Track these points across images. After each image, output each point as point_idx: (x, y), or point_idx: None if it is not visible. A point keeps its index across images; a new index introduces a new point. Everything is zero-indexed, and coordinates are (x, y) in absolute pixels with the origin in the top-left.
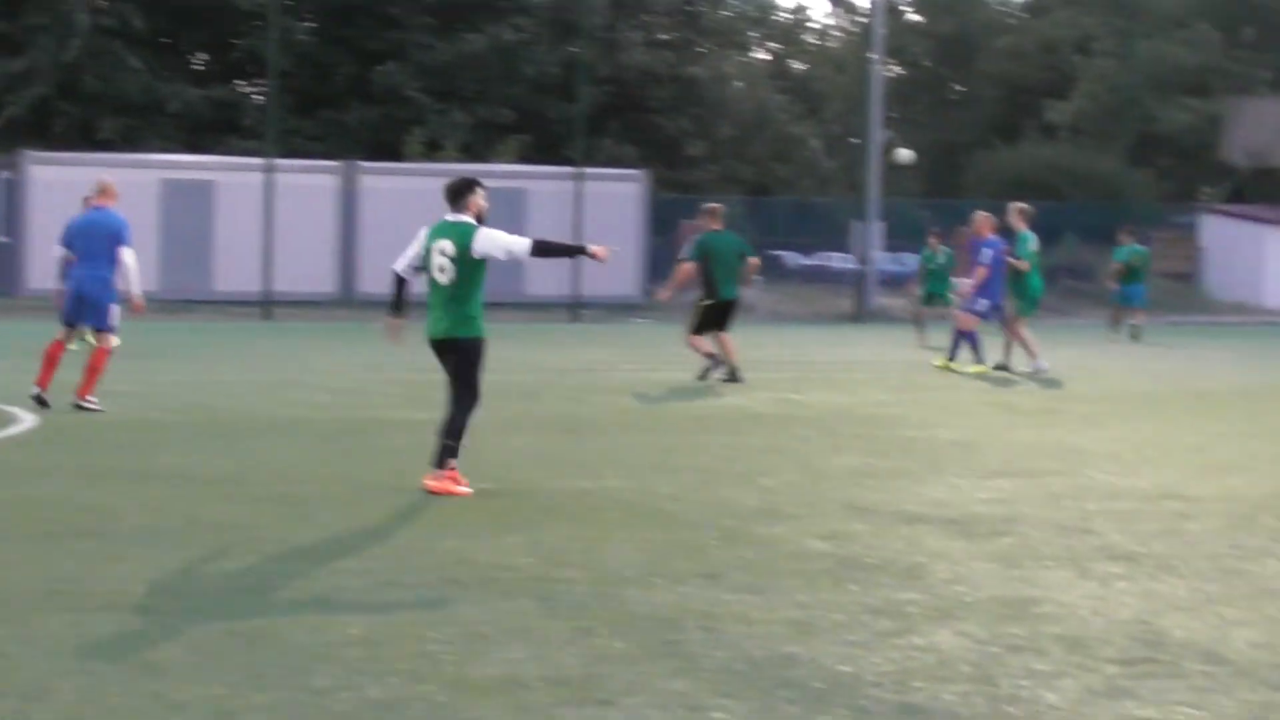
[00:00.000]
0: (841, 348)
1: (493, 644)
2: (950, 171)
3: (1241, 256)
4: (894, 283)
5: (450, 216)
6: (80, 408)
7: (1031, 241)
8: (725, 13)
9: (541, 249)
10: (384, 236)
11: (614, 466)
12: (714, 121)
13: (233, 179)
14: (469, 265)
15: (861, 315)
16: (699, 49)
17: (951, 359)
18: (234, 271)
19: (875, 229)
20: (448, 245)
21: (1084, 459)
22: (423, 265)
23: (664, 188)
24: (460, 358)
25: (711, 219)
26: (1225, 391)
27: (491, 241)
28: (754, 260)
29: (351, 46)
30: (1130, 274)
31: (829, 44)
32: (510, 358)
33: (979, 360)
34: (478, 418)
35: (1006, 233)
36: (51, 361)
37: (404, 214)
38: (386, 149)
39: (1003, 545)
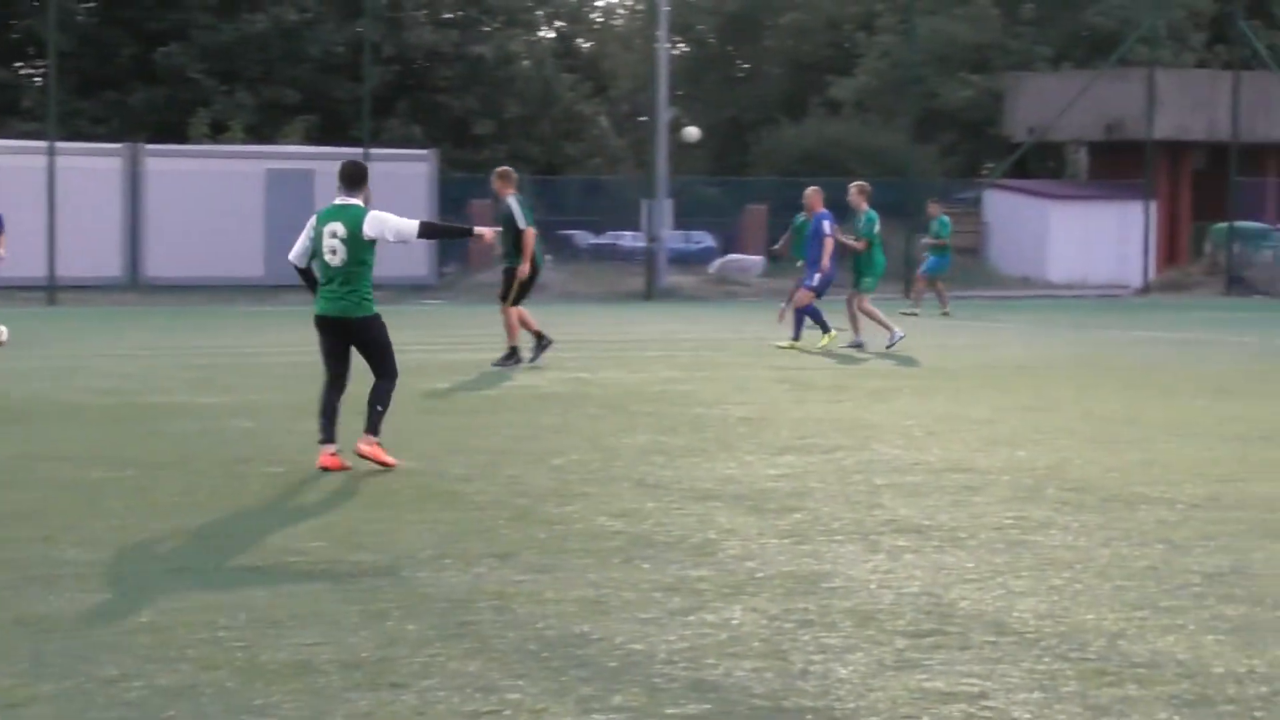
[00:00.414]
0: (633, 326)
1: (284, 629)
2: (738, 149)
3: (1025, 231)
4: (683, 261)
5: (340, 199)
6: None
7: (875, 220)
8: None
9: (429, 230)
10: (170, 219)
11: (406, 448)
12: (501, 100)
13: (13, 162)
14: (360, 246)
15: (652, 293)
16: (485, 28)
17: (796, 339)
18: (16, 256)
19: (665, 207)
20: (339, 228)
21: (873, 434)
22: (313, 249)
23: (453, 167)
24: (364, 336)
25: (507, 183)
26: (1011, 365)
27: (382, 223)
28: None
29: (133, 27)
30: (940, 245)
31: (615, 22)
32: (302, 340)
33: (825, 330)
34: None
35: (845, 210)
36: None
37: (190, 196)
38: (171, 131)
39: (793, 521)
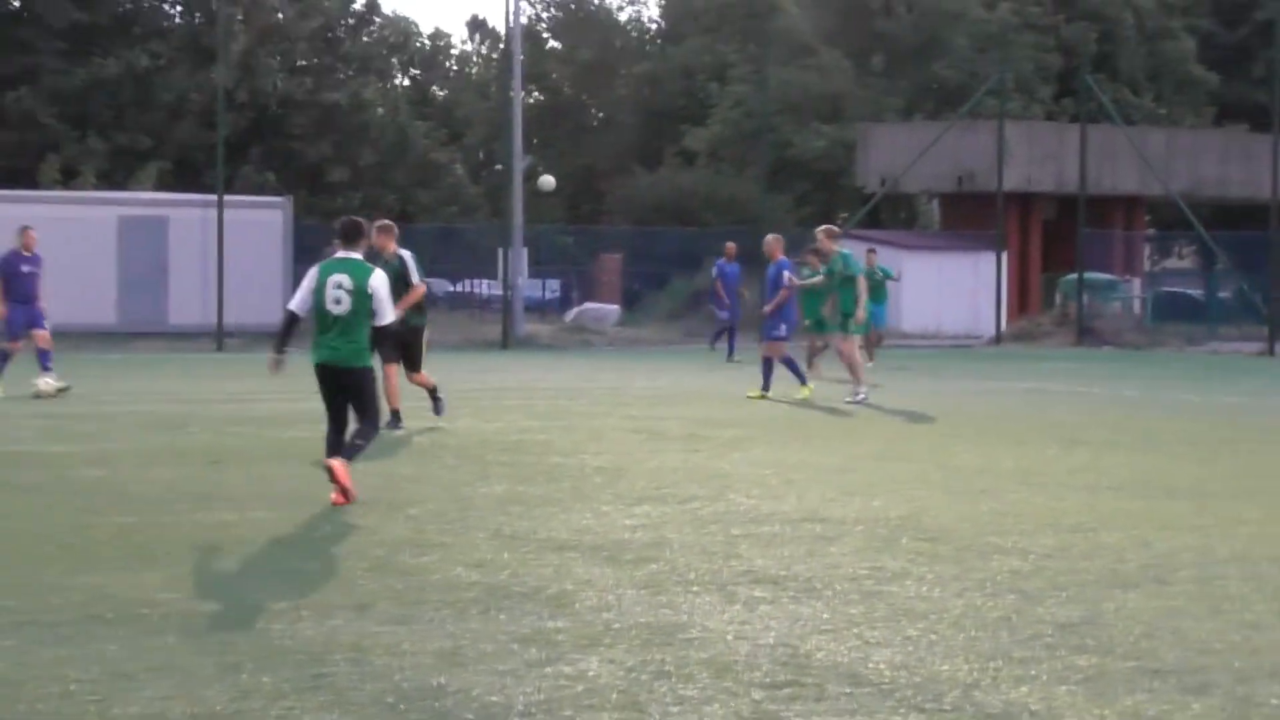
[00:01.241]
0: (490, 374)
1: (137, 682)
2: (592, 197)
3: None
4: (538, 309)
5: (342, 253)
6: None
7: (850, 257)
8: (365, 39)
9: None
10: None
11: (259, 498)
12: (355, 148)
13: None
14: (363, 299)
15: (509, 342)
16: (339, 75)
17: (766, 390)
18: None
19: (521, 254)
20: (345, 279)
21: (729, 483)
22: (315, 299)
23: (307, 214)
24: (359, 385)
25: (389, 237)
26: (865, 414)
27: (381, 284)
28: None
29: None
30: (875, 294)
31: (470, 70)
32: (153, 388)
33: (802, 382)
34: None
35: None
36: None
37: (41, 242)
38: (21, 176)
39: (650, 571)
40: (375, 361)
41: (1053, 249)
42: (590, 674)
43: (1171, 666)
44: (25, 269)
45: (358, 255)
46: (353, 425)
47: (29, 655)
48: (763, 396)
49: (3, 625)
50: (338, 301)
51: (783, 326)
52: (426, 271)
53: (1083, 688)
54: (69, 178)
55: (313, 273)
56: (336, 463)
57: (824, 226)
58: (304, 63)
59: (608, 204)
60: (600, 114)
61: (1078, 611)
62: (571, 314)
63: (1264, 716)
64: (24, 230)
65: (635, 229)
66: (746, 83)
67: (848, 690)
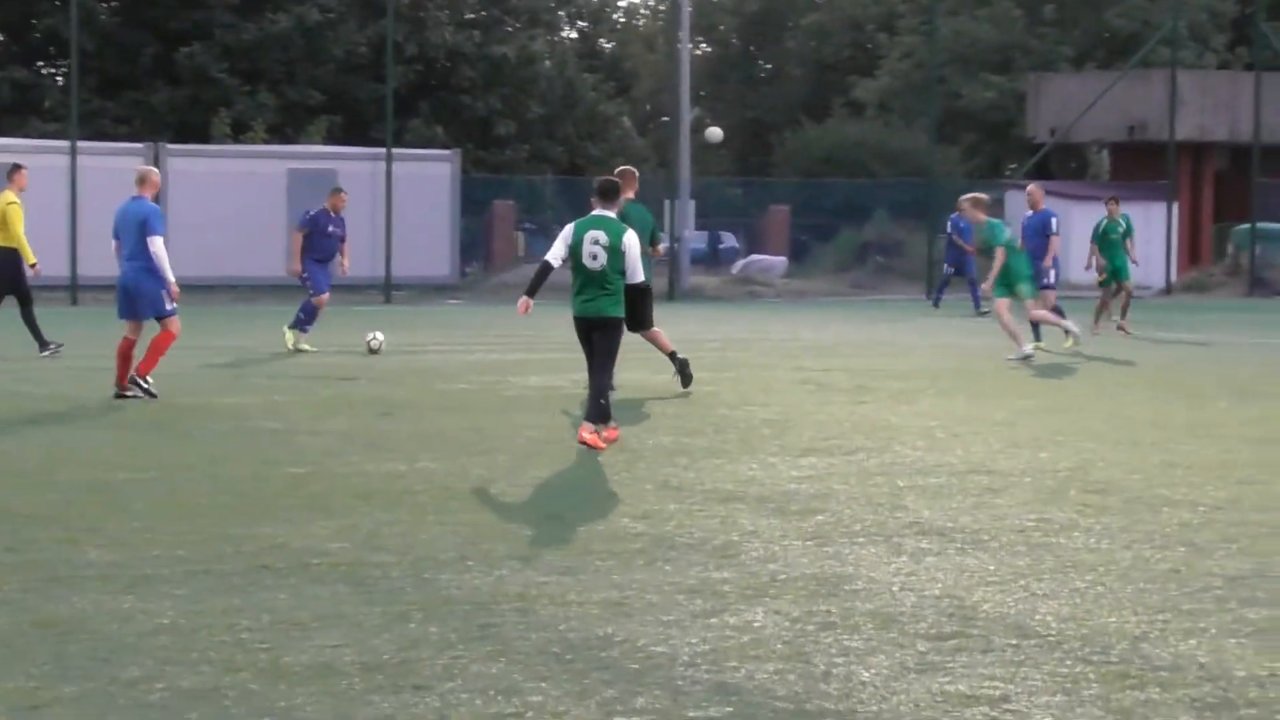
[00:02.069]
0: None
1: (307, 631)
2: (760, 149)
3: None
4: (704, 261)
5: (599, 211)
6: (135, 383)
7: (1001, 226)
8: None
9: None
10: (191, 218)
11: (428, 449)
12: (523, 101)
13: (35, 162)
14: (617, 255)
15: (675, 294)
16: (507, 28)
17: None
18: (40, 256)
19: (687, 207)
20: (601, 235)
21: (895, 435)
22: (572, 255)
23: (475, 168)
24: (610, 334)
25: (628, 184)
26: (1033, 367)
27: (633, 243)
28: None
29: (155, 27)
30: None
31: (637, 22)
32: (323, 340)
33: (1067, 332)
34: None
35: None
36: (124, 359)
37: (212, 196)
38: (193, 131)
39: (815, 523)
40: None
41: (1225, 199)
42: (755, 625)
43: None
44: (331, 229)
45: (612, 213)
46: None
47: (201, 604)
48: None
49: (176, 575)
50: (594, 257)
51: (1052, 274)
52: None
53: (1253, 640)
54: (239, 132)
55: (569, 229)
56: (588, 436)
57: (969, 196)
58: (472, 16)
59: (775, 156)
60: (768, 65)
61: (1248, 564)
62: (738, 266)
63: None
64: (335, 192)
65: (803, 181)
66: (915, 33)
67: (1014, 642)
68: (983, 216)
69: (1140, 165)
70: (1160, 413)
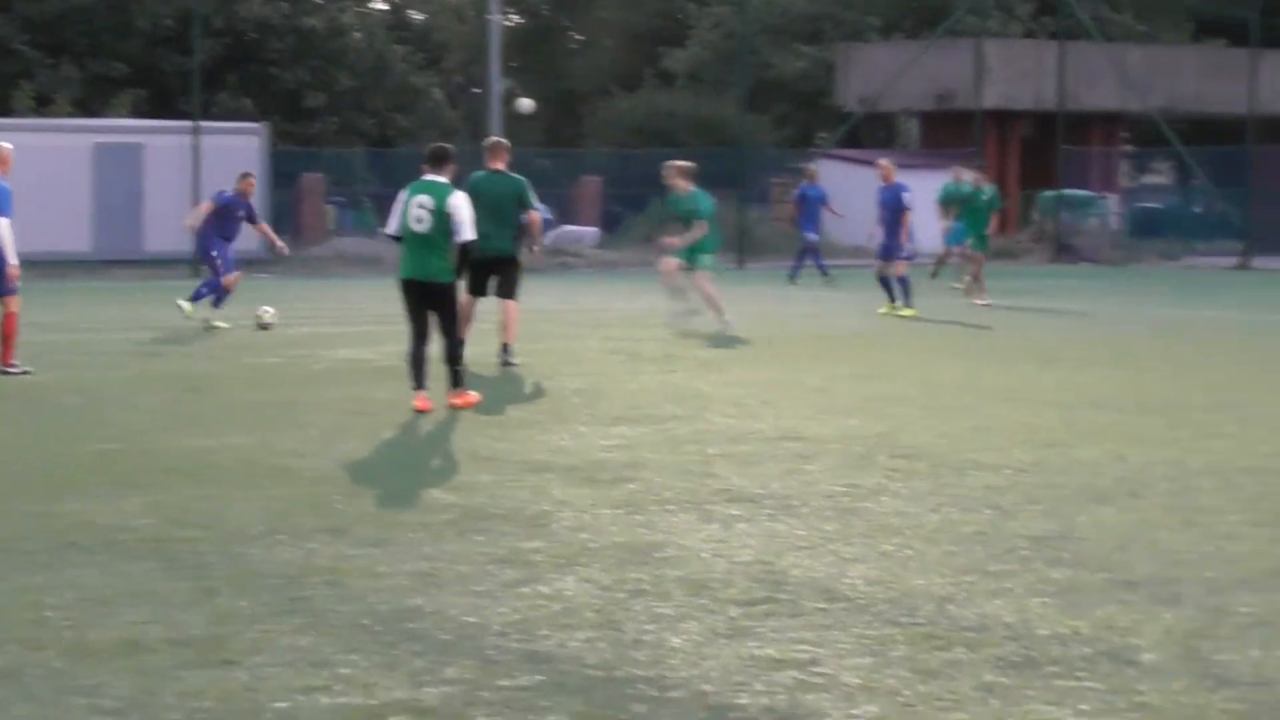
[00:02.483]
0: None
1: (113, 607)
2: (571, 121)
3: (857, 200)
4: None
5: (429, 176)
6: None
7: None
8: None
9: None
10: None
11: (236, 424)
12: (333, 73)
13: None
14: (442, 217)
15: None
16: (316, 0)
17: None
18: None
19: None
20: (427, 199)
21: (706, 403)
22: (401, 219)
23: (284, 140)
24: (442, 298)
25: (493, 156)
26: (844, 334)
27: (460, 204)
28: (533, 215)
29: None
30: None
31: None
32: (129, 316)
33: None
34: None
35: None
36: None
37: (15, 170)
38: None
39: (626, 491)
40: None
41: (1031, 166)
42: (566, 594)
43: (1144, 578)
44: (240, 213)
45: (443, 178)
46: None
47: (4, 582)
48: (892, 310)
49: None
50: (419, 220)
51: (908, 246)
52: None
53: (1056, 600)
54: (43, 105)
55: (401, 195)
56: (456, 400)
57: (674, 163)
58: None
59: (587, 127)
60: (579, 36)
61: (1053, 525)
62: (549, 236)
63: (1234, 626)
64: (244, 177)
65: (614, 152)
66: (726, 3)
67: (823, 605)
68: (688, 185)
69: (949, 133)
70: (968, 377)
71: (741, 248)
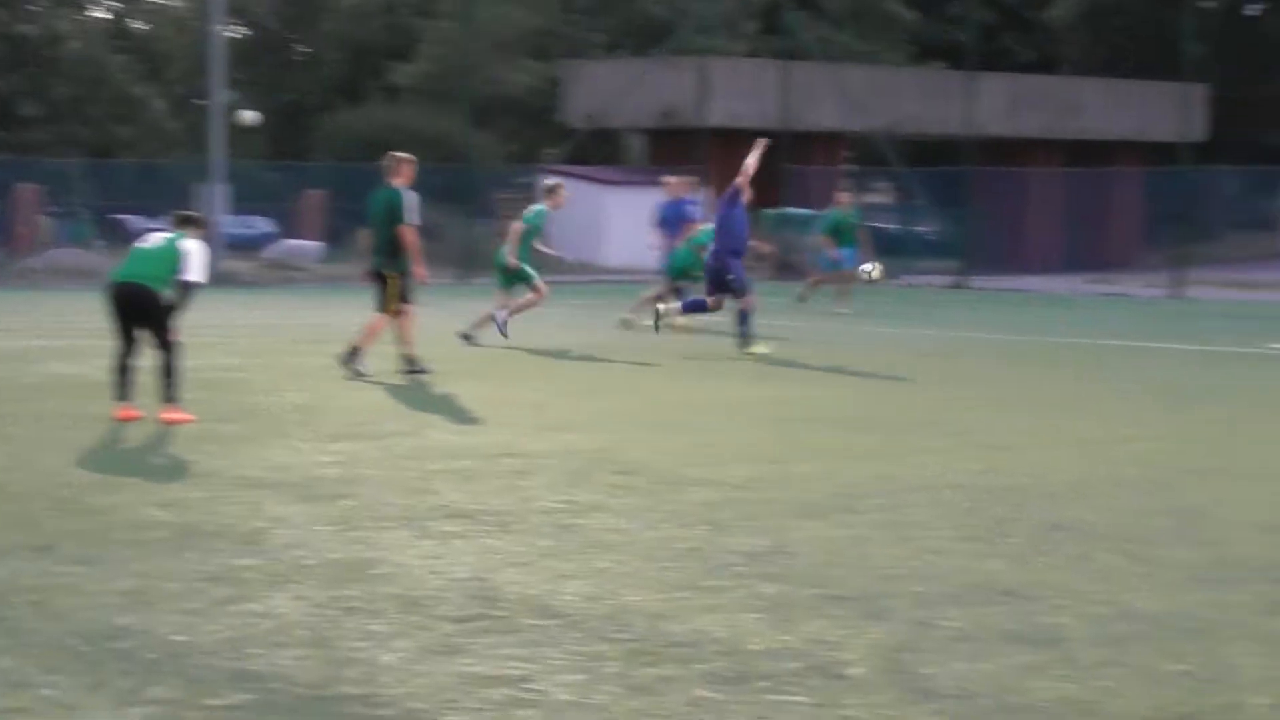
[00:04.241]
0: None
1: None
2: (296, 133)
3: (582, 216)
4: (240, 246)
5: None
6: None
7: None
8: None
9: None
10: None
11: None
12: (49, 81)
13: None
14: (171, 249)
15: (209, 279)
16: (31, 7)
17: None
18: None
19: (221, 192)
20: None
21: (426, 419)
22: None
23: None
24: (159, 313)
25: (397, 171)
26: (565, 350)
27: (195, 248)
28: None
29: None
30: (842, 237)
31: (171, 3)
32: None
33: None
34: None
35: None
36: None
37: None
38: None
39: (343, 508)
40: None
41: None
42: (278, 611)
43: (854, 593)
44: None
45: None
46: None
47: None
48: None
49: None
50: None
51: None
52: (124, 208)
53: (767, 614)
54: None
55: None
56: (169, 415)
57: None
58: None
59: (312, 140)
60: (306, 49)
61: (767, 541)
62: (271, 251)
63: (939, 639)
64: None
65: (340, 165)
66: (452, 18)
67: (537, 622)
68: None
69: (674, 151)
70: (687, 394)
71: (468, 263)
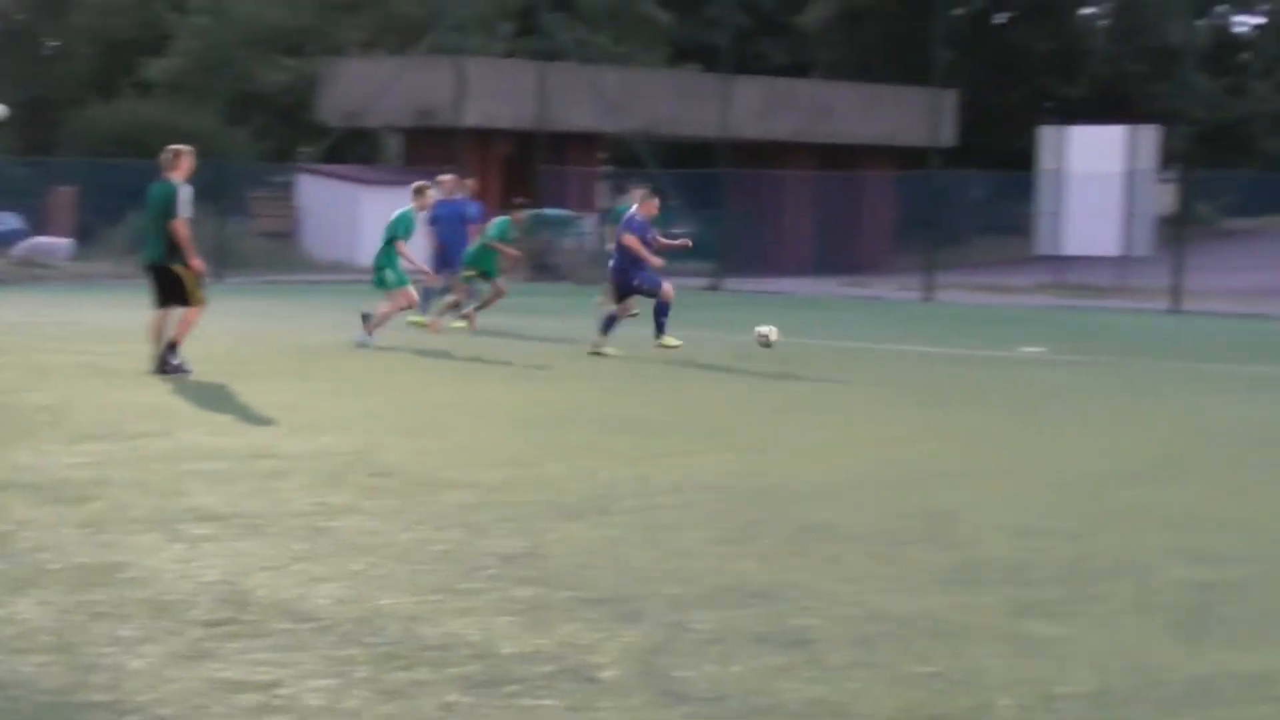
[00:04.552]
0: None
1: None
2: (45, 128)
3: (338, 215)
4: None
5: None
6: None
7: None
8: None
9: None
10: None
11: None
12: None
13: None
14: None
15: None
16: None
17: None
18: None
19: None
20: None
21: (179, 420)
22: None
23: None
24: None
25: (174, 164)
26: (320, 350)
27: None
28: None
29: None
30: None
31: None
32: None
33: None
34: None
35: None
36: None
37: None
38: None
39: (91, 510)
40: None
41: (512, 185)
42: (21, 617)
43: (608, 595)
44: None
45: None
46: None
47: None
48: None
49: None
50: None
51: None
52: None
53: (522, 617)
54: None
55: None
56: None
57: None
58: None
59: (62, 136)
60: (55, 43)
61: (522, 543)
62: (19, 248)
63: (691, 641)
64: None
65: (91, 161)
66: (207, 13)
67: (288, 626)
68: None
69: (432, 150)
70: (442, 395)
71: (220, 261)
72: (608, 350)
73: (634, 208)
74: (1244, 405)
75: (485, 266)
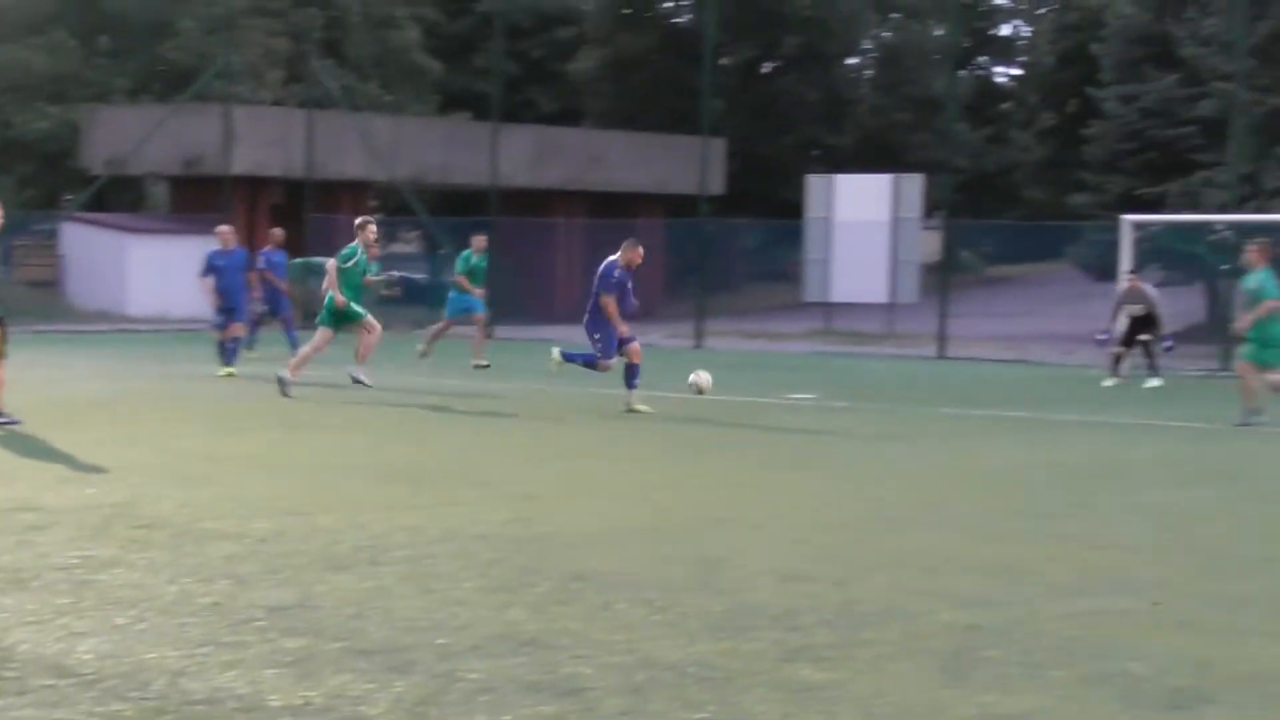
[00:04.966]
0: None
1: None
2: None
3: (103, 264)
4: None
5: None
6: None
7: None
8: None
9: None
10: None
11: None
12: None
13: None
14: None
15: None
16: None
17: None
18: None
19: None
20: None
21: None
22: None
23: None
24: None
25: None
26: (88, 400)
27: None
28: None
29: None
30: (474, 279)
31: None
32: None
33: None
34: None
35: None
36: None
37: None
38: None
39: None
40: None
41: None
42: None
43: (378, 646)
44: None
45: None
46: None
47: None
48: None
49: None
50: None
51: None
52: None
53: (291, 669)
54: None
55: None
56: None
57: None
58: None
59: None
60: None
61: (290, 594)
62: None
63: (462, 691)
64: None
65: None
66: None
67: (50, 682)
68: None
69: (199, 198)
70: (212, 445)
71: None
72: (640, 407)
73: (616, 256)
74: (1005, 450)
75: (465, 304)
